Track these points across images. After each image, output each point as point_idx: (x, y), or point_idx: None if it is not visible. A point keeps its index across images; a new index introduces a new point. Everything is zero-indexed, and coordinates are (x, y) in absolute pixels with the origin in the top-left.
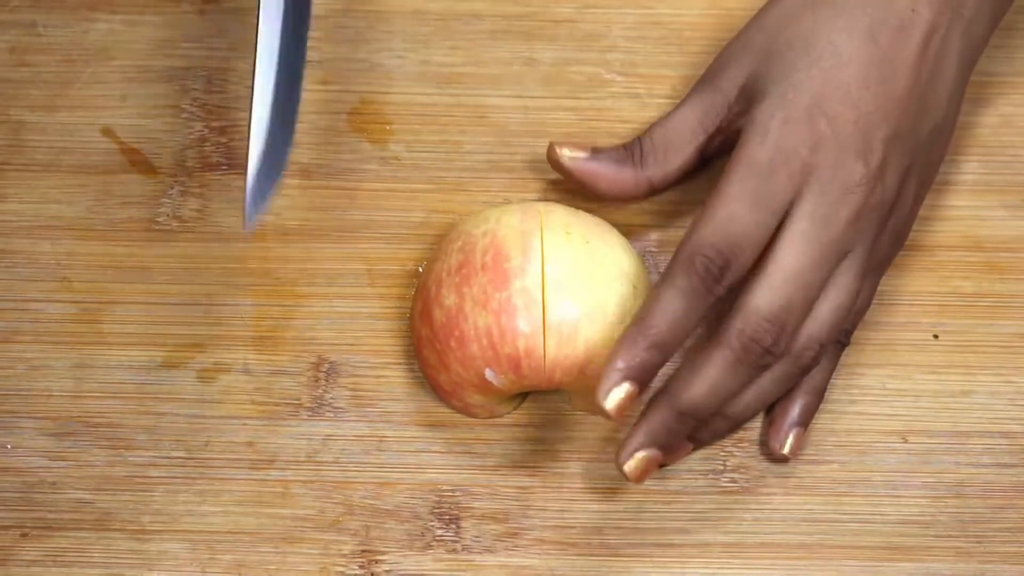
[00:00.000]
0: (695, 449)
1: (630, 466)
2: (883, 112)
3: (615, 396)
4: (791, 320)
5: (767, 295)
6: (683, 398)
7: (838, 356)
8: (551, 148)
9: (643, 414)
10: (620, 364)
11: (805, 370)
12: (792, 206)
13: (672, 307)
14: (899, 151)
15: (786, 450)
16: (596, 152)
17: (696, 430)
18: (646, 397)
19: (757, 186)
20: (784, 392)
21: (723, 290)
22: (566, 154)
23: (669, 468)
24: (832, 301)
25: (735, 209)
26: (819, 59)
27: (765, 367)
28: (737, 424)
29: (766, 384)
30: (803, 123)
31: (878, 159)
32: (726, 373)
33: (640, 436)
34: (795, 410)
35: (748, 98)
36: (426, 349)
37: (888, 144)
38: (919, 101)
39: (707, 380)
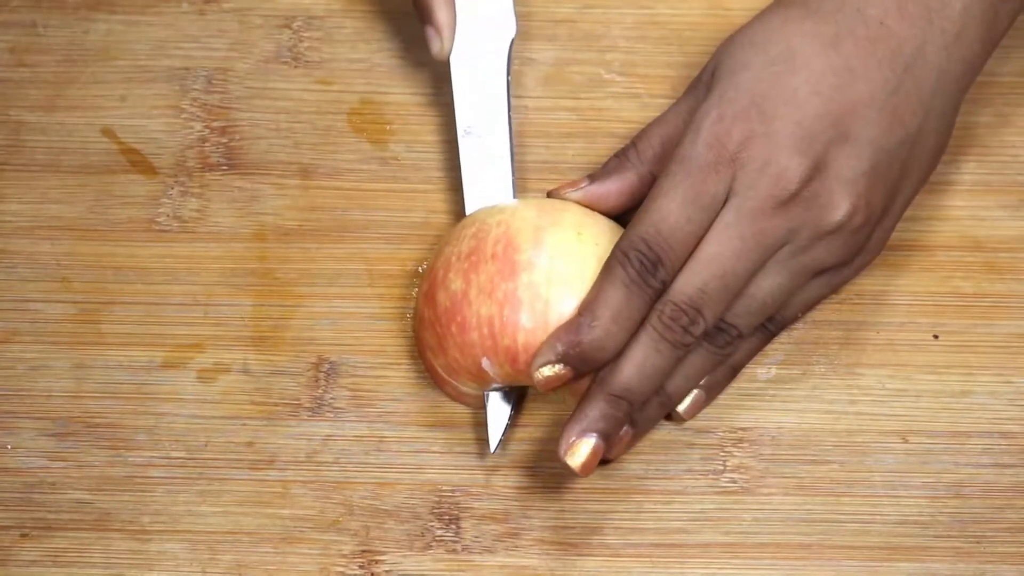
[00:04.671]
0: (634, 439)
1: (574, 461)
2: (833, 117)
3: (545, 372)
4: (708, 303)
5: (686, 279)
6: (614, 381)
7: (764, 342)
8: (551, 195)
9: (578, 404)
10: (559, 347)
11: (726, 349)
12: (726, 199)
13: (613, 297)
14: (851, 156)
15: (682, 409)
16: (594, 176)
17: (632, 414)
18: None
19: (687, 183)
20: (711, 371)
21: (659, 283)
22: (568, 194)
23: (669, 468)
24: (760, 289)
25: (664, 205)
26: (773, 61)
27: (687, 346)
28: (668, 406)
29: (693, 363)
30: (736, 120)
31: (818, 157)
32: (651, 352)
33: (577, 424)
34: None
35: (708, 91)
36: (427, 331)
37: (834, 146)
38: (881, 111)
39: (634, 360)
